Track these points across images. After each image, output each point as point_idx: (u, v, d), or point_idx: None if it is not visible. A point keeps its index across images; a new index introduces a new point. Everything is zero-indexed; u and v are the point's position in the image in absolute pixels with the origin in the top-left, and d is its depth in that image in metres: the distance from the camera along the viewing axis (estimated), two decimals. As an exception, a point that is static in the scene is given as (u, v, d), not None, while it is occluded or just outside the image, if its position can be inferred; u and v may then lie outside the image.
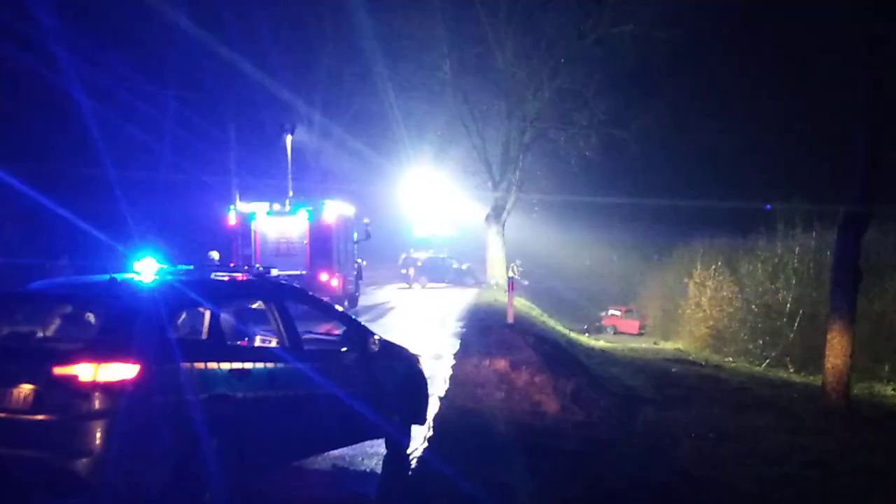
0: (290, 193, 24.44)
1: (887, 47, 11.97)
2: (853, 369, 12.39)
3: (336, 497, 7.23)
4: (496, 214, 32.03)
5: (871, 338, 16.41)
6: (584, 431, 9.81)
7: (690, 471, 8.49)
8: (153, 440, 5.45)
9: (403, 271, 36.79)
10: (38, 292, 6.77)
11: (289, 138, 26.74)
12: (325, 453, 7.61)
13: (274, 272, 8.32)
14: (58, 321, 6.55)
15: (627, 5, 27.77)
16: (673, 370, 18.17)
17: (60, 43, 20.73)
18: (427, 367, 9.39)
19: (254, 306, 7.46)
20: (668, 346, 27.23)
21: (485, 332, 16.33)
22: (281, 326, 6.96)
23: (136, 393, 5.38)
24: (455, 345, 15.07)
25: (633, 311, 37.48)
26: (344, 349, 7.56)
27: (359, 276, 24.85)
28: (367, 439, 7.83)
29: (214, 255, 18.42)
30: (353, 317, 8.79)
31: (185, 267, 7.37)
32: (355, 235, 24.16)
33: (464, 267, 39.04)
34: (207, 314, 6.41)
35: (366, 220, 25.30)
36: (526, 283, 33.91)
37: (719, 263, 24.90)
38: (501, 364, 12.39)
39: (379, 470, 7.78)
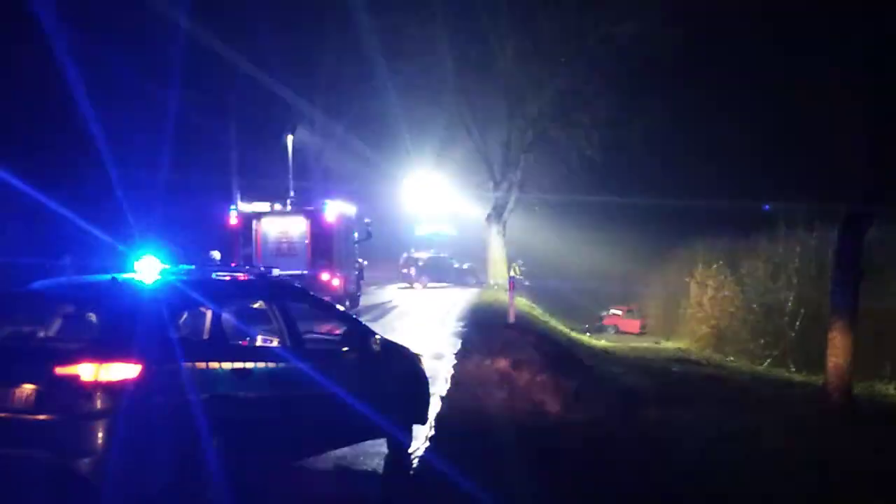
0: (292, 193, 24.44)
1: (889, 46, 11.96)
2: (854, 368, 12.39)
3: (337, 497, 7.23)
4: (497, 214, 32.02)
5: (874, 337, 16.38)
6: (585, 431, 9.81)
7: (692, 470, 8.49)
8: (155, 440, 5.45)
9: (405, 271, 36.71)
10: (40, 292, 6.78)
11: (290, 138, 26.75)
12: (327, 453, 7.60)
13: (275, 272, 8.33)
14: (59, 321, 6.57)
15: (629, 5, 27.75)
16: (674, 370, 18.18)
17: (62, 41, 20.71)
18: (428, 366, 9.40)
19: (255, 306, 7.46)
20: (670, 345, 27.26)
21: (486, 331, 16.34)
22: (282, 326, 6.97)
23: (138, 393, 5.39)
24: (456, 344, 15.07)
25: (634, 311, 37.47)
26: (345, 349, 7.56)
27: (360, 276, 24.81)
28: (368, 439, 7.82)
29: (216, 254, 18.44)
30: (355, 316, 8.81)
31: (186, 266, 7.37)
32: (356, 235, 24.13)
33: (465, 267, 38.97)
34: (209, 314, 6.42)
35: (367, 220, 25.24)
36: (528, 283, 33.84)
37: (720, 263, 24.88)
38: (503, 363, 12.41)
39: (380, 469, 7.78)
